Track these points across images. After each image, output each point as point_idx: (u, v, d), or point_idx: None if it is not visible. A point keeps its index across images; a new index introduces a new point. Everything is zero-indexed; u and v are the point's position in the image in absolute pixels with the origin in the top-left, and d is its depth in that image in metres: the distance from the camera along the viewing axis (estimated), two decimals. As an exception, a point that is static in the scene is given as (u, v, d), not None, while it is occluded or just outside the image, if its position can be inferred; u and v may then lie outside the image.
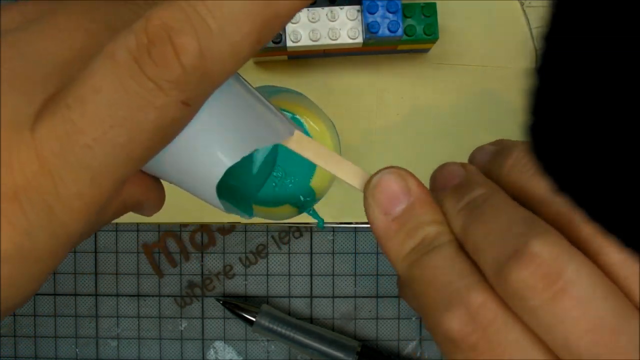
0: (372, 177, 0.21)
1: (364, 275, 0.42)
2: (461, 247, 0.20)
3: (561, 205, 0.18)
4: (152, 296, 0.43)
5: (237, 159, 0.19)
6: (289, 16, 0.17)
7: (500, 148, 0.21)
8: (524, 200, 0.20)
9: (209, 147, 0.19)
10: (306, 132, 0.36)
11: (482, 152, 0.23)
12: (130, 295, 0.43)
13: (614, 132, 0.13)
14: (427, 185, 0.22)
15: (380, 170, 0.21)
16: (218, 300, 0.42)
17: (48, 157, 0.15)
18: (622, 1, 0.12)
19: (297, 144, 0.21)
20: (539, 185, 0.19)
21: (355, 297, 0.42)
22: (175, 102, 0.16)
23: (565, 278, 0.17)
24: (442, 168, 0.22)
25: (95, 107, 0.15)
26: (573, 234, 0.18)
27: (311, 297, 0.42)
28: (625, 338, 0.17)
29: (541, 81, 0.14)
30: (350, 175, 0.22)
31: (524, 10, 0.42)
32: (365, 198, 0.21)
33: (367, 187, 0.21)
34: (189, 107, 0.16)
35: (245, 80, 0.21)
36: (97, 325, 0.43)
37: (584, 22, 0.13)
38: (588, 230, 0.18)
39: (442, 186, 0.21)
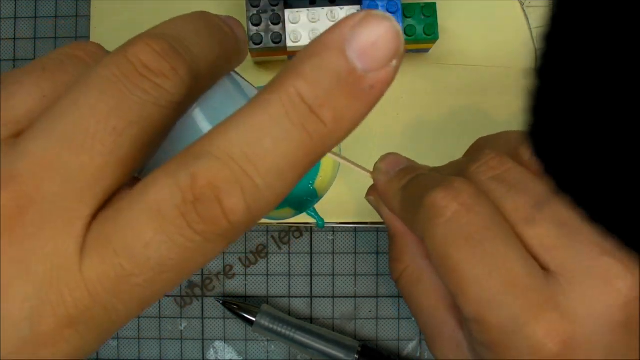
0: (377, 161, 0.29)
1: (364, 275, 0.42)
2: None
3: None
4: (152, 296, 0.43)
5: None
6: (326, 153, 0.17)
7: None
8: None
9: None
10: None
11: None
12: (130, 295, 0.43)
13: (615, 132, 0.13)
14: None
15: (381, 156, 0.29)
16: (218, 300, 0.42)
17: (100, 295, 0.16)
18: (622, 1, 0.12)
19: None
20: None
21: (355, 297, 0.42)
22: (221, 246, 0.17)
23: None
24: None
25: (145, 259, 0.16)
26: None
27: (311, 297, 0.42)
28: None
29: (541, 81, 0.14)
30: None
31: (524, 10, 0.42)
32: (374, 170, 0.29)
33: (375, 165, 0.29)
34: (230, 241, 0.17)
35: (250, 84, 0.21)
36: (97, 325, 0.43)
37: (584, 22, 0.13)
38: None
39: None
